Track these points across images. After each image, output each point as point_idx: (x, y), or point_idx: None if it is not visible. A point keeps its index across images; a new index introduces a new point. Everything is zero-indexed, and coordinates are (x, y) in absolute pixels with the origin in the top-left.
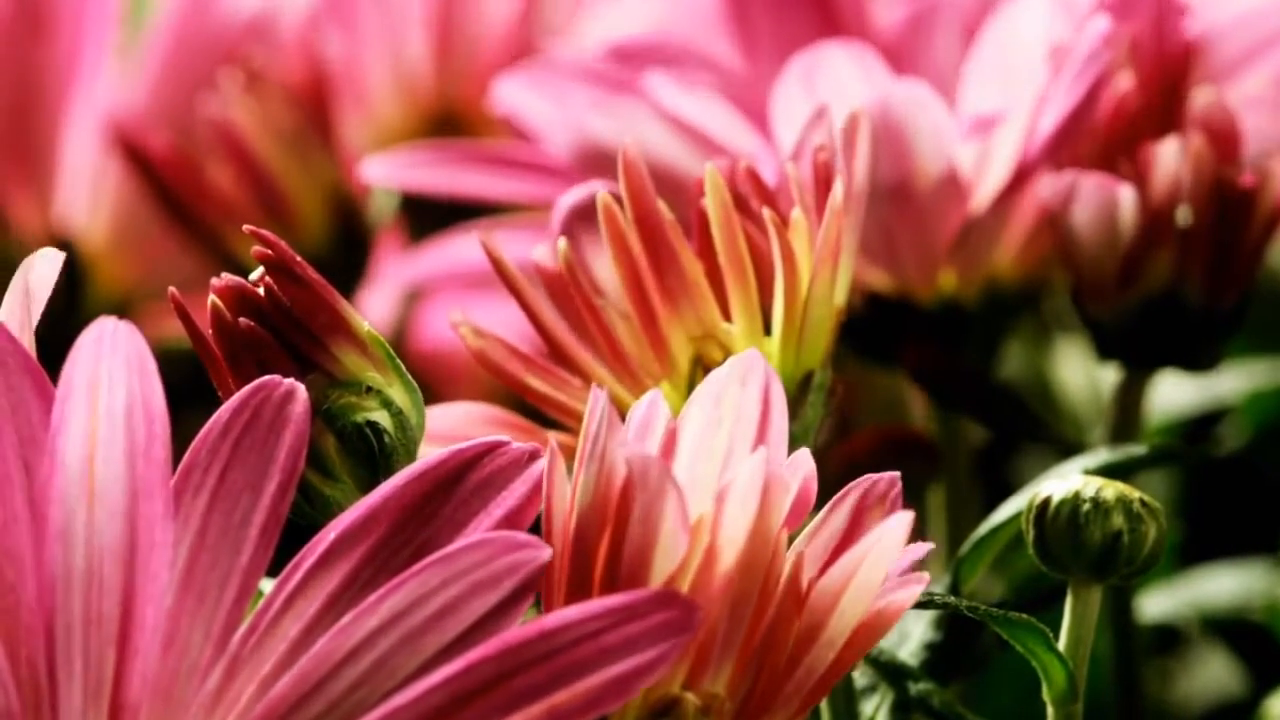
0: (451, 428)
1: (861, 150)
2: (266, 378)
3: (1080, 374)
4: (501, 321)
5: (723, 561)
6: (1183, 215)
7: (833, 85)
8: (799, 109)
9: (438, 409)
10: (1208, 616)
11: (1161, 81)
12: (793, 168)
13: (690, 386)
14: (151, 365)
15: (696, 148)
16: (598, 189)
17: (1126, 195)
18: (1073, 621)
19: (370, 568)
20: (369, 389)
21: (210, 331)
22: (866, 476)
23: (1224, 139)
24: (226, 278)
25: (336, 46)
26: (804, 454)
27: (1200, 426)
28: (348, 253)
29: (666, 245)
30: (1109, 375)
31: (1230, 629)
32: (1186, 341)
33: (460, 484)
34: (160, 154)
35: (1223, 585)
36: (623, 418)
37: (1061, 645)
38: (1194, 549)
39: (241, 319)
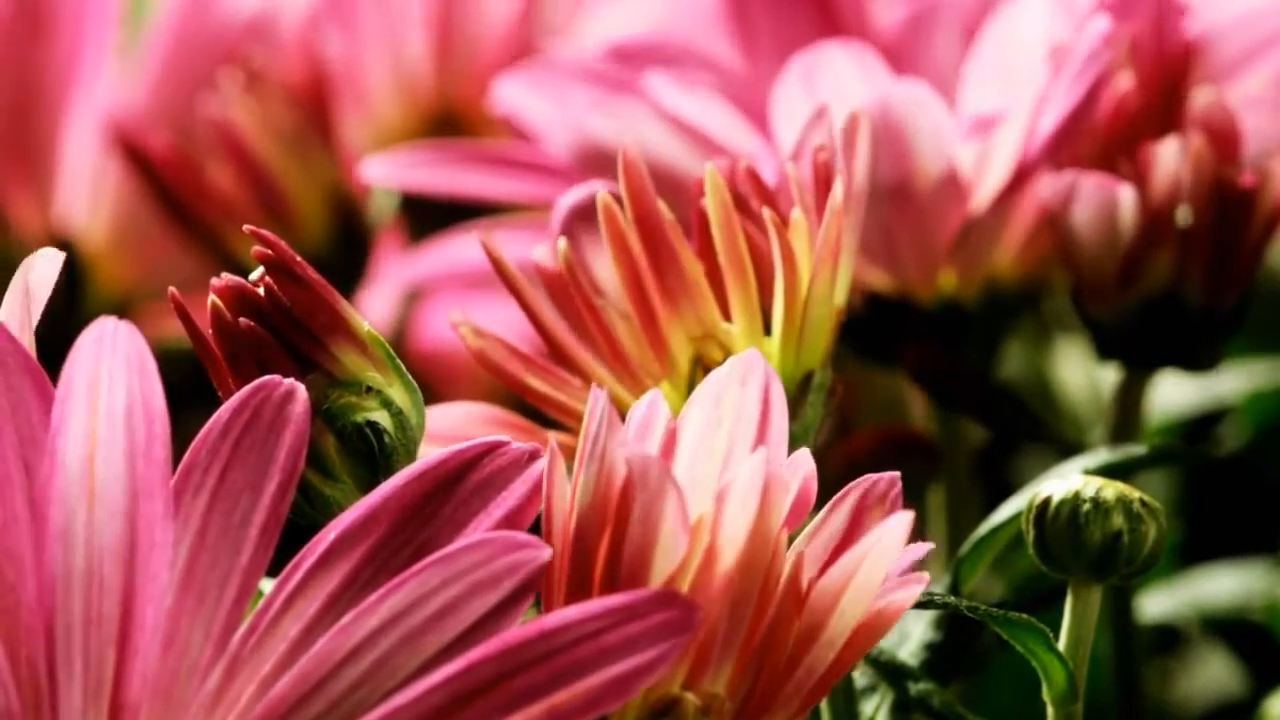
0: (451, 428)
1: (861, 150)
2: (266, 378)
3: (1080, 374)
4: (501, 321)
5: (723, 561)
6: (1183, 215)
7: (833, 85)
8: (799, 109)
9: (438, 409)
10: (1208, 616)
11: (1161, 81)
12: (793, 168)
13: (690, 386)
14: (152, 365)
15: (696, 148)
16: (598, 189)
17: (1126, 195)
18: (1073, 621)
19: (370, 568)
20: (369, 389)
21: (210, 331)
22: (866, 476)
23: (1224, 139)
24: (226, 278)
25: (336, 46)
26: (804, 454)
27: (1200, 426)
28: (348, 253)
29: (666, 245)
30: (1109, 375)
31: (1230, 629)
32: (1186, 341)
33: (460, 484)
34: (160, 154)
35: (1223, 585)
36: (623, 418)
37: (1061, 645)
38: (1194, 549)
39: (241, 319)
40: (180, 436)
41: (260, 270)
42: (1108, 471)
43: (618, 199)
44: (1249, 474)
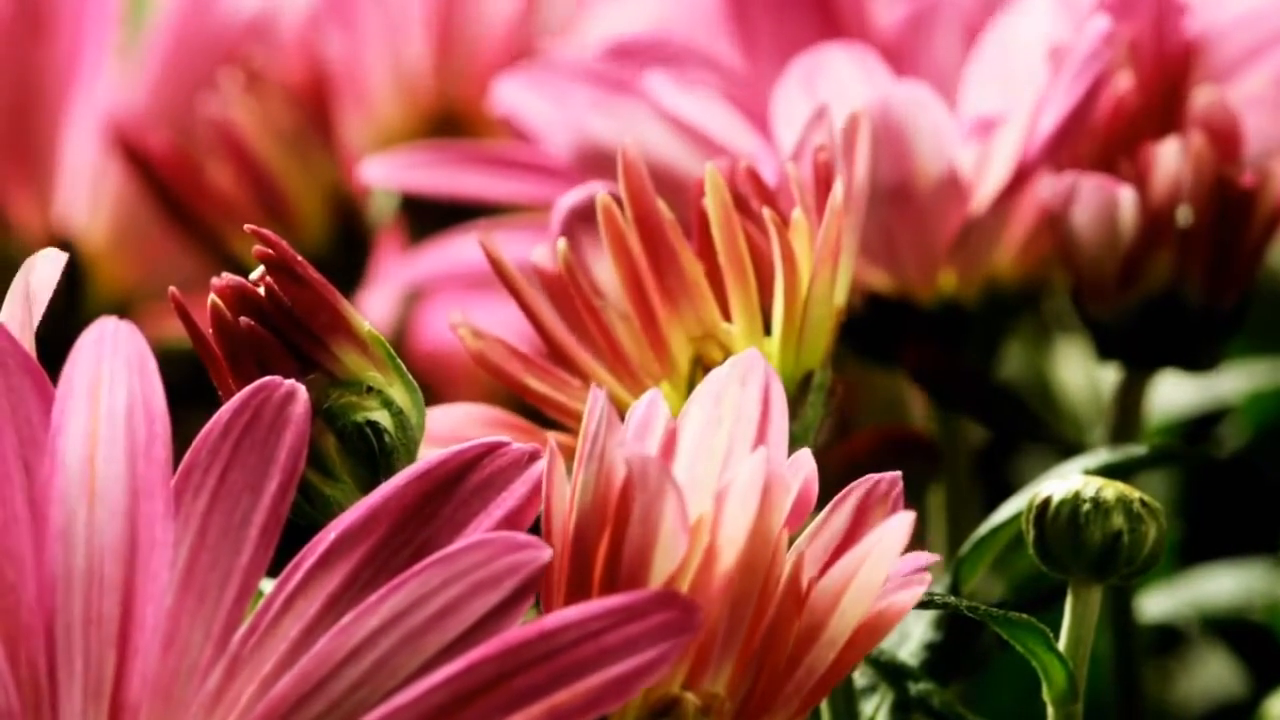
0: (452, 429)
1: (862, 151)
2: (267, 379)
3: (1080, 374)
4: (502, 322)
5: (723, 561)
6: (1183, 215)
7: (833, 86)
8: (799, 110)
9: (438, 410)
10: (1208, 616)
11: (1162, 81)
12: (793, 168)
13: (690, 386)
14: (152, 365)
15: (696, 148)
16: (597, 189)
17: (1127, 196)
18: (1073, 621)
19: (370, 568)
20: (369, 389)
21: (210, 331)
22: (868, 477)
23: (1225, 138)
24: (227, 277)
25: (337, 46)
26: (805, 454)
27: (1200, 427)
28: (348, 253)
29: (666, 245)
30: (1109, 375)
31: (1230, 629)
32: (1186, 341)
33: (461, 484)
34: (160, 154)
35: (1223, 585)
36: (622, 418)
37: (1061, 645)
38: (1194, 549)
39: (242, 318)
40: (180, 436)
41: (260, 269)
42: (1108, 472)
43: (617, 200)
44: (1249, 474)
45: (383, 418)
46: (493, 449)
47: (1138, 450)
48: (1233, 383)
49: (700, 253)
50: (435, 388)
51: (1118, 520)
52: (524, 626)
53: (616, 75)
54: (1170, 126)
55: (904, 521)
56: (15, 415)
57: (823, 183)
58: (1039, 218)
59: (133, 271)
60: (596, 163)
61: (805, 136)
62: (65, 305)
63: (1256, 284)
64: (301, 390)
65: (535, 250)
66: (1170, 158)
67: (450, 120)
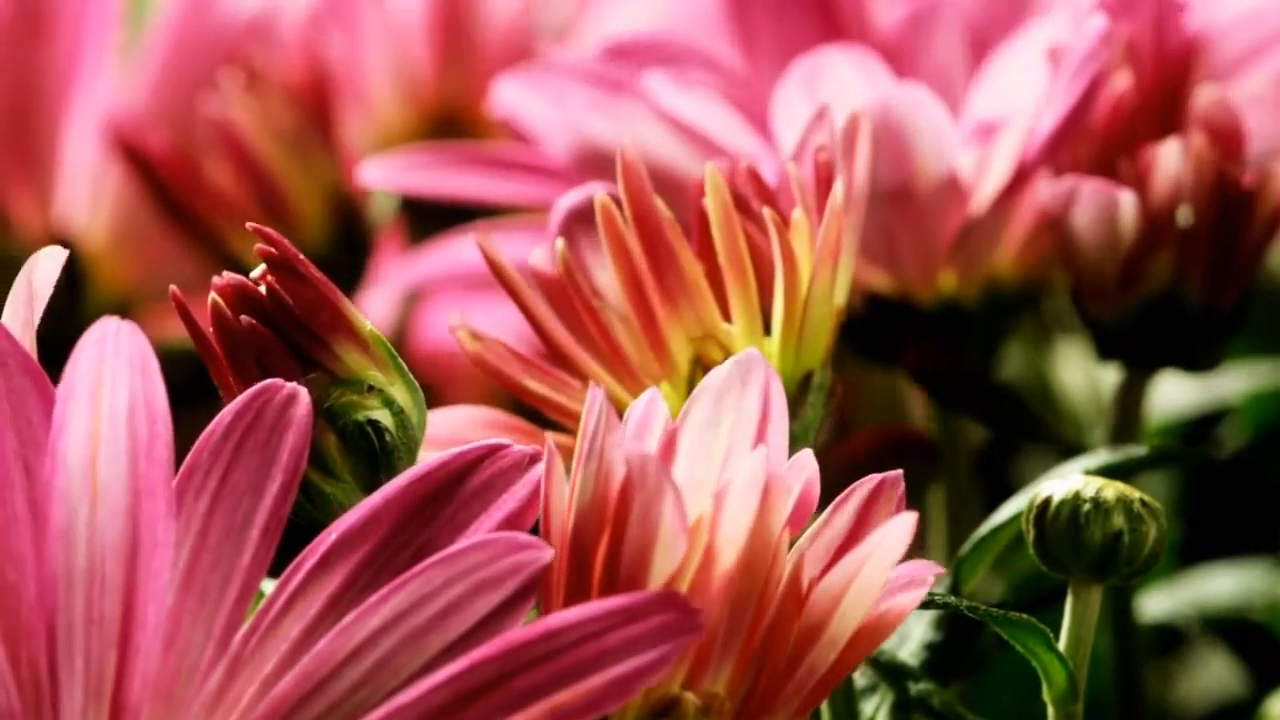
0: (452, 431)
1: (862, 151)
2: (269, 381)
3: (1080, 374)
4: (502, 323)
5: (722, 561)
6: (1183, 215)
7: (834, 87)
8: (800, 111)
9: (439, 413)
10: (1208, 616)
11: (1161, 81)
12: (794, 168)
13: (690, 387)
14: (154, 365)
15: (696, 149)
16: (596, 190)
17: (1127, 200)
18: (1073, 621)
19: (371, 568)
20: (370, 388)
21: (211, 330)
22: (870, 477)
23: (1227, 137)
24: (228, 276)
25: (337, 47)
26: (807, 455)
27: (1200, 427)
28: (348, 253)
29: (666, 246)
30: (1109, 376)
31: (1231, 629)
32: (1187, 342)
33: (461, 486)
34: (160, 154)
35: (1223, 585)
36: (622, 418)
37: (1061, 645)
38: (1194, 549)
39: (243, 317)
40: (181, 436)
41: (261, 268)
42: (1108, 472)
43: (616, 201)
44: (1249, 474)
45: (384, 417)
46: (493, 451)
47: (1138, 451)
48: (1233, 383)
49: (700, 253)
50: (435, 388)
51: (1118, 520)
52: (526, 627)
53: (616, 76)
54: (1170, 126)
55: (906, 523)
56: (16, 416)
57: (823, 183)
58: (1039, 218)
59: (133, 271)
60: (596, 164)
61: (806, 137)
62: (66, 305)
63: (1256, 284)
64: (303, 393)
65: (534, 251)
66: (1171, 159)
67: (450, 120)
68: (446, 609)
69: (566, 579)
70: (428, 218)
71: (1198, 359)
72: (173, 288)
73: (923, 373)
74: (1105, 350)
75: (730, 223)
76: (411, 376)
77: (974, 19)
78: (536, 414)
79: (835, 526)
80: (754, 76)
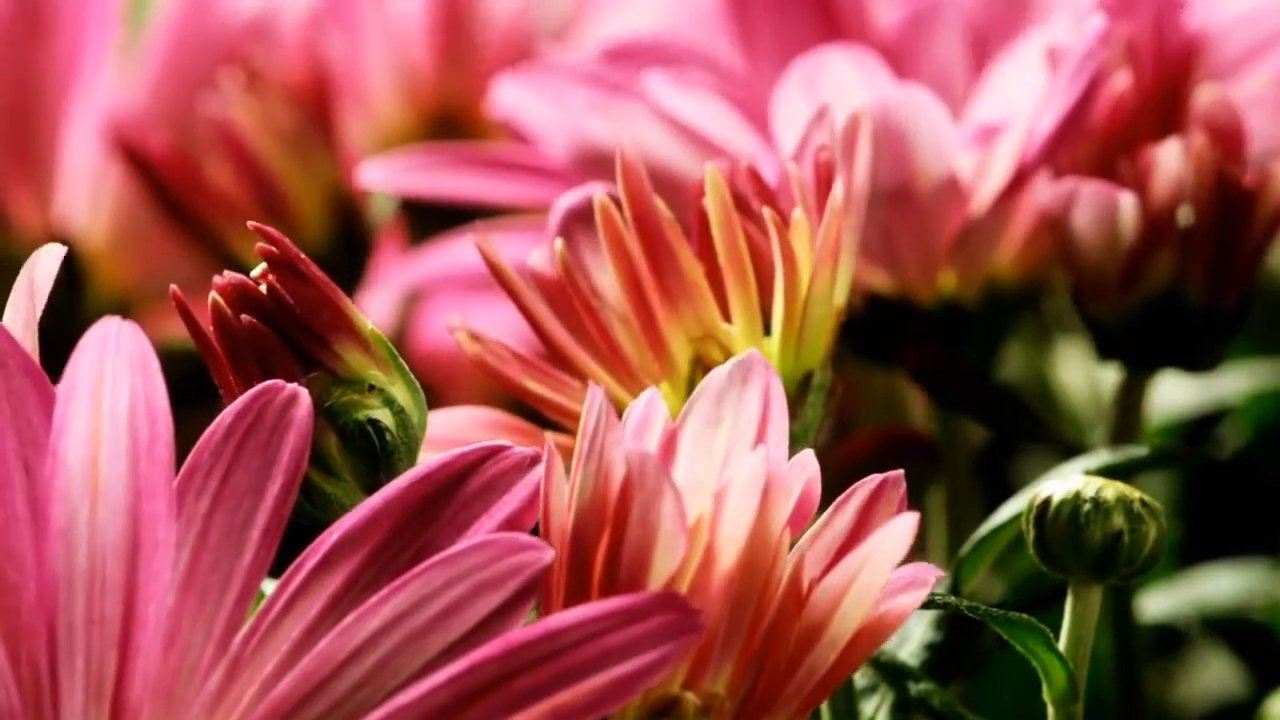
0: (452, 432)
1: (863, 151)
2: (270, 382)
3: (1080, 375)
4: (502, 324)
5: (722, 561)
6: (1184, 215)
7: (834, 88)
8: (800, 111)
9: (439, 414)
10: (1208, 616)
11: (1161, 81)
12: (794, 168)
13: (690, 387)
14: (155, 365)
15: (696, 149)
16: (595, 191)
17: (1127, 201)
18: (1073, 621)
19: (372, 569)
20: (371, 387)
21: (212, 329)
22: (871, 477)
23: (1228, 137)
24: (229, 275)
25: (337, 47)
26: (808, 455)
27: (1201, 427)
28: (348, 253)
29: (665, 246)
30: (1109, 376)
31: (1230, 629)
32: (1187, 342)
33: (462, 487)
34: (160, 154)
35: (1223, 585)
36: (621, 419)
37: (1062, 645)
38: (1194, 549)
39: (243, 316)
40: (180, 436)
41: (262, 267)
42: (1108, 472)
43: (616, 201)
44: (1249, 474)
45: (384, 416)
46: (494, 453)
47: (1138, 451)
48: (1233, 383)
49: (700, 253)
50: (435, 389)
51: (1118, 520)
52: (527, 627)
53: (616, 77)
54: (1170, 126)
55: (907, 523)
56: (16, 416)
57: (823, 183)
58: (1039, 218)
59: (133, 271)
60: (595, 164)
61: (806, 137)
62: (66, 305)
63: (1257, 284)
64: (304, 394)
65: (533, 252)
66: (1171, 160)
67: (450, 121)
68: (447, 609)
69: (566, 579)
70: (428, 218)
71: (1198, 359)
72: (173, 287)
73: (923, 373)
74: (1105, 350)
75: (730, 223)
76: (412, 376)
77: (974, 19)
78: (536, 414)
79: (836, 527)
80: (754, 76)
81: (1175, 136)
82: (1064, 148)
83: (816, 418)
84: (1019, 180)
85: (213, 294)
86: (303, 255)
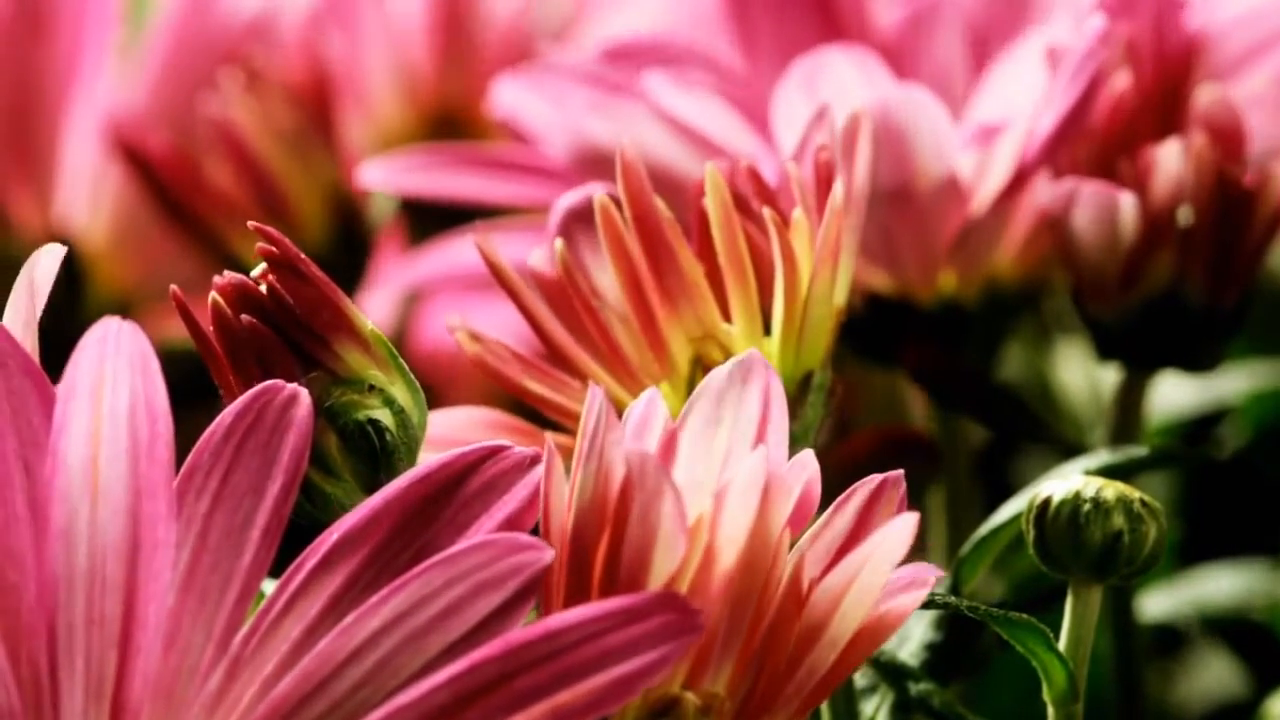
0: (452, 432)
1: (863, 151)
2: (270, 383)
3: (1080, 375)
4: (502, 323)
5: (722, 561)
6: (1184, 215)
7: (834, 88)
8: (800, 111)
9: (439, 414)
10: (1208, 616)
11: (1161, 81)
12: (794, 168)
13: (690, 387)
14: (155, 365)
15: (695, 149)
16: (595, 191)
17: (1127, 202)
18: (1073, 621)
19: (372, 569)
20: (371, 387)
21: (212, 329)
22: (871, 477)
23: (1228, 137)
24: (229, 275)
25: (337, 47)
26: (808, 455)
27: (1200, 427)
28: (348, 253)
29: (665, 246)
30: (1109, 376)
31: (1230, 629)
32: (1187, 342)
33: (462, 487)
34: (160, 154)
35: (1223, 585)
36: (621, 419)
37: (1062, 645)
38: (1194, 549)
39: (243, 316)
40: (180, 436)
41: (262, 266)
42: (1108, 472)
43: (616, 201)
44: (1249, 474)
45: (384, 416)
46: (494, 453)
47: (1138, 451)
48: (1233, 383)
49: (700, 253)
50: (435, 389)
51: (1118, 520)
52: (527, 627)
53: (615, 77)
54: (1170, 126)
55: (907, 524)
56: (16, 416)
57: (823, 183)
58: (1039, 218)
59: (133, 272)
60: (595, 165)
61: (806, 137)
62: (66, 305)
63: (1257, 284)
64: (304, 394)
65: (533, 252)
66: (1171, 160)
67: (450, 121)
68: (447, 609)
69: (566, 579)
70: (428, 218)
71: (1198, 359)
72: (173, 287)
73: (923, 373)
74: (1105, 350)
75: (730, 223)
76: (412, 376)
77: (974, 19)
78: (536, 414)
79: (836, 527)
80: (754, 76)
81: (1175, 136)
82: (1064, 148)
83: (816, 418)
84: (1019, 180)
85: (213, 294)
86: (303, 255)
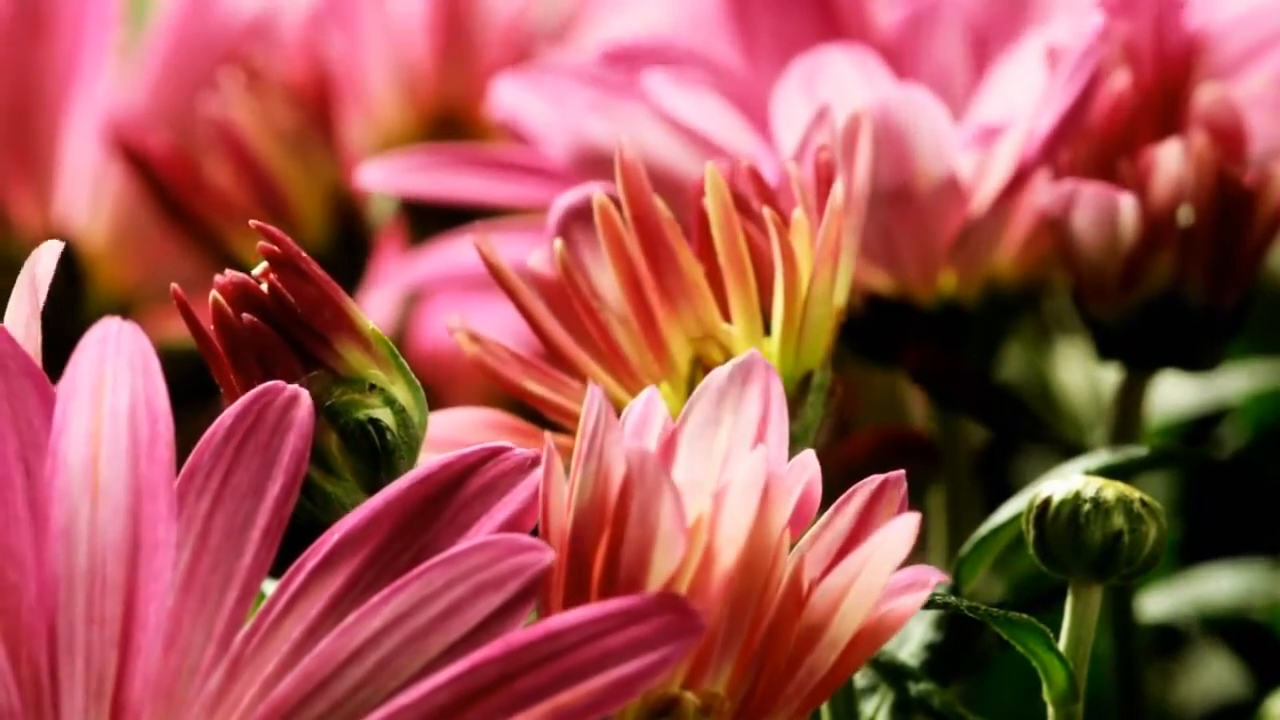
0: (453, 432)
1: (863, 151)
2: (271, 383)
3: (1080, 375)
4: (502, 323)
5: (722, 561)
6: (1184, 215)
7: (834, 88)
8: (799, 111)
9: (439, 415)
10: (1208, 616)
11: (1161, 80)
12: (794, 168)
13: (690, 387)
14: (155, 365)
15: (695, 149)
16: (595, 191)
17: (1127, 203)
18: (1073, 621)
19: (373, 570)
20: (372, 386)
21: (212, 328)
22: (872, 478)
23: (1228, 137)
24: (230, 274)
25: (337, 47)
26: (809, 456)
27: (1200, 427)
28: (348, 253)
29: (665, 246)
30: (1109, 376)
31: (1231, 629)
32: (1187, 342)
33: (462, 489)
34: (160, 154)
35: (1223, 585)
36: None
37: (1062, 645)
38: (1194, 549)
39: (244, 315)
40: (180, 436)
41: (263, 266)
42: (1108, 472)
43: (615, 201)
44: (1249, 474)
45: (385, 415)
46: (495, 454)
47: (1138, 451)
48: (1233, 383)
49: (700, 253)
50: (435, 389)
51: (1118, 520)
52: (527, 628)
53: (615, 77)
54: (1170, 126)
55: (908, 524)
56: (16, 417)
57: (823, 183)
58: (1038, 218)
59: (133, 272)
60: (595, 165)
61: (806, 137)
62: (66, 305)
63: (1257, 284)
64: (305, 395)
65: (533, 253)
66: (1171, 160)
67: (450, 121)
68: (448, 610)
69: (566, 579)
70: (428, 218)
71: (1198, 359)
72: (174, 286)
73: (923, 373)
74: (1105, 350)
75: (730, 223)
76: (413, 376)
77: (974, 19)
78: (537, 415)
79: (836, 527)
80: (754, 76)
81: (1175, 136)
82: (1064, 147)
83: (816, 418)
84: (1019, 180)
85: (214, 293)
86: (304, 254)
